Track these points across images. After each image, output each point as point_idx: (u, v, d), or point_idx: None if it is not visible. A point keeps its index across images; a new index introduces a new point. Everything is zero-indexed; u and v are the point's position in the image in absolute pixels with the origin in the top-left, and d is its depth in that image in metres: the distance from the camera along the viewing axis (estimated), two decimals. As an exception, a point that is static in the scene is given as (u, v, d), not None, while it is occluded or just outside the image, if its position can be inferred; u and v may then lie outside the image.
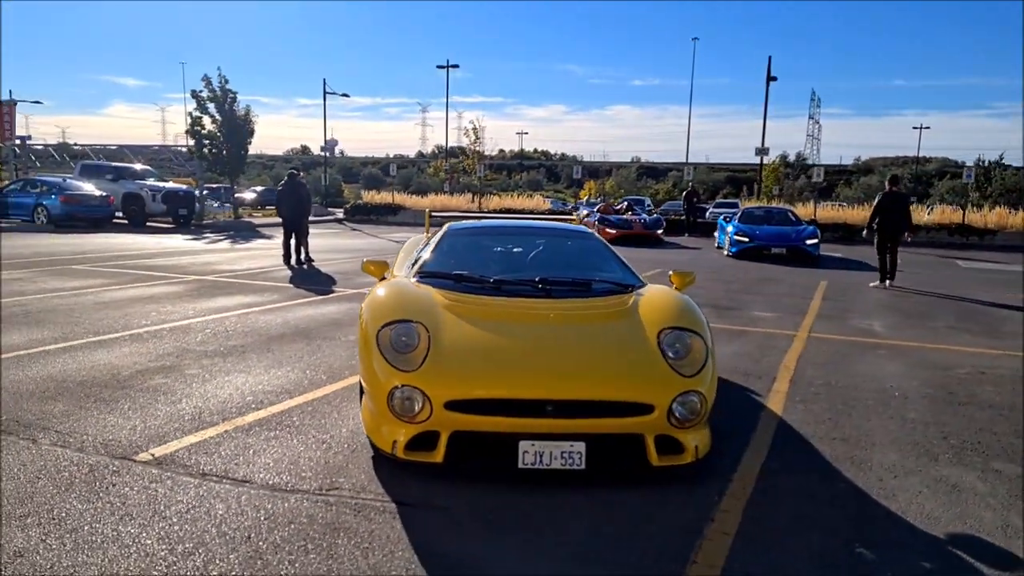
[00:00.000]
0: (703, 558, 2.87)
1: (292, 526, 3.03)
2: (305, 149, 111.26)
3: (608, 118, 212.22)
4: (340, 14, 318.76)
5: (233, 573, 2.66)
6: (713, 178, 69.35)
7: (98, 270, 11.35)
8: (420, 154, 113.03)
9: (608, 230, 21.38)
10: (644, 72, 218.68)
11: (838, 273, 13.92)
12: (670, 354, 3.73)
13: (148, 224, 22.55)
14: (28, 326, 6.83)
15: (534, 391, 3.45)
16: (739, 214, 19.15)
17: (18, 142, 36.22)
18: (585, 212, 25.18)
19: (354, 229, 25.46)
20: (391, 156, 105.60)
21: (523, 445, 3.43)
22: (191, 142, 30.44)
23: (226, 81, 30.94)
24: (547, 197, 43.20)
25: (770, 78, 32.49)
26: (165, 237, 18.91)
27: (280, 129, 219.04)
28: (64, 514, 3.07)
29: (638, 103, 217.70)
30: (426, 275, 4.61)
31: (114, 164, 25.26)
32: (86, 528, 2.96)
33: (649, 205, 38.77)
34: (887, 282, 11.76)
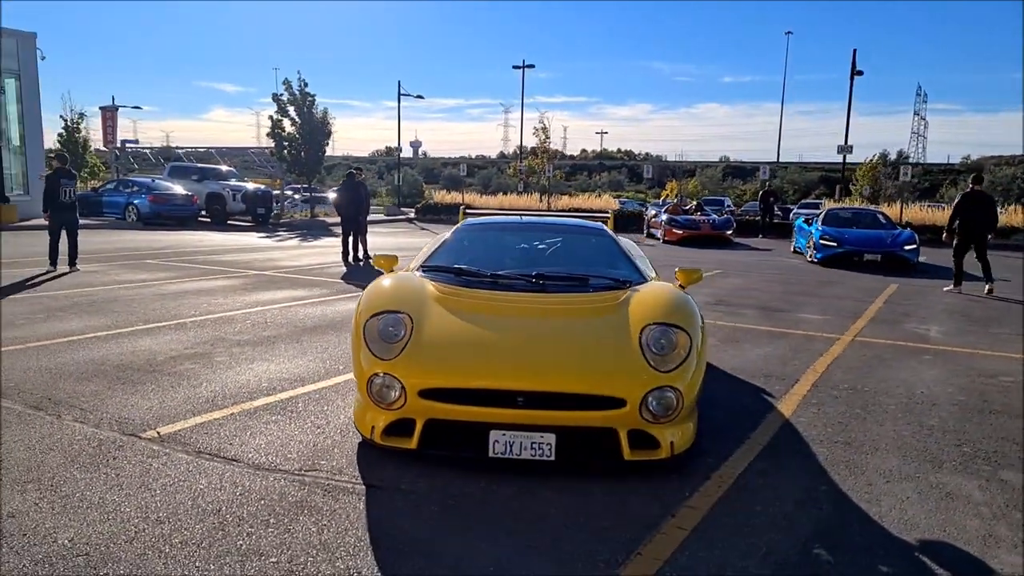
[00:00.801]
0: (649, 551, 2.86)
1: (262, 502, 3.19)
2: (390, 150, 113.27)
3: (696, 116, 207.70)
4: (424, 15, 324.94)
5: (193, 541, 2.83)
6: (806, 178, 66.67)
7: (169, 264, 12.03)
8: (501, 155, 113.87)
9: (675, 230, 21.08)
10: (735, 68, 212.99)
11: (913, 278, 13.28)
12: (653, 349, 3.71)
13: (229, 222, 23.64)
14: (88, 314, 7.34)
15: (505, 382, 3.51)
16: (823, 216, 17.34)
17: (119, 146, 38.58)
18: (652, 212, 24.84)
19: (422, 228, 25.95)
20: (472, 157, 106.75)
21: (493, 435, 3.49)
22: (272, 144, 31.69)
23: (305, 85, 32.02)
24: (618, 197, 42.72)
25: (855, 72, 31.23)
26: (242, 234, 19.80)
27: (367, 131, 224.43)
28: (62, 482, 3.33)
29: (728, 100, 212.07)
30: (429, 268, 4.73)
31: (199, 165, 26.64)
32: (76, 496, 3.20)
33: (729, 205, 37.86)
34: (961, 287, 11.15)
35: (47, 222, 10.95)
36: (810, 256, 15.80)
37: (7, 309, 7.49)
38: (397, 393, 3.55)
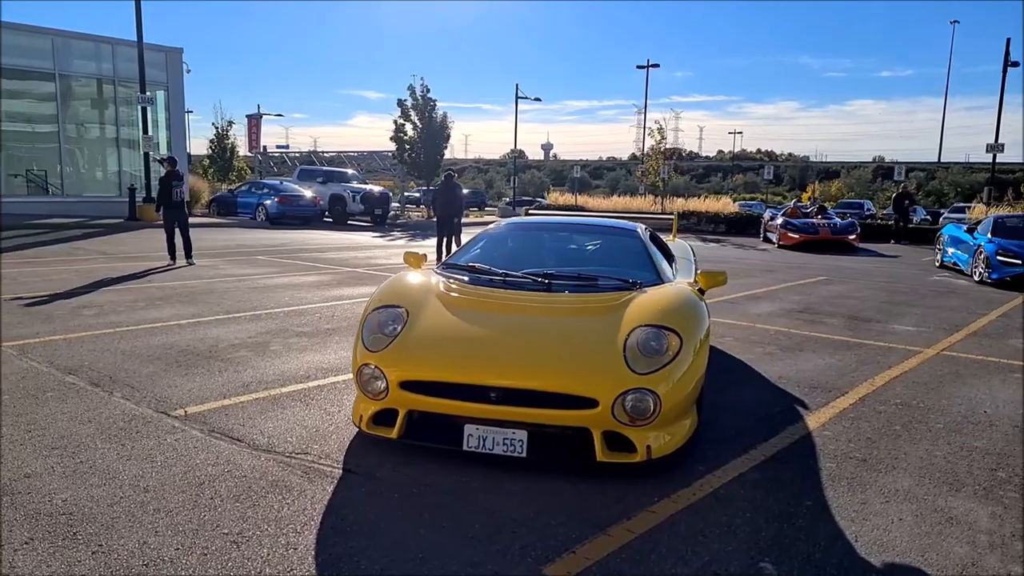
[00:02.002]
0: (585, 550, 2.84)
1: (243, 479, 3.43)
2: (520, 153, 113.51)
3: (848, 114, 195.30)
4: (556, 15, 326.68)
5: (164, 509, 3.09)
6: (971, 179, 60.95)
7: (274, 261, 12.87)
8: (633, 156, 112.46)
9: (791, 235, 20.16)
10: (894, 62, 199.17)
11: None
12: (641, 351, 3.65)
13: (349, 222, 24.87)
14: (180, 304, 8.02)
15: (479, 377, 3.57)
16: (990, 225, 13.99)
17: (262, 150, 41.50)
18: (769, 216, 23.80)
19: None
20: (603, 159, 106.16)
21: (468, 428, 3.56)
22: (395, 148, 33.08)
23: (427, 90, 33.21)
24: (740, 200, 41.08)
25: (1008, 63, 28.57)
26: (357, 234, 20.81)
27: (500, 135, 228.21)
28: (82, 450, 3.72)
29: (885, 96, 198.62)
30: (448, 266, 4.86)
31: (325, 169, 28.20)
32: (88, 463, 3.56)
33: (870, 209, 35.64)
34: None
35: (161, 221, 12.07)
36: (980, 275, 12.92)
37: (117, 297, 8.31)
38: (382, 384, 3.70)
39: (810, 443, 4.19)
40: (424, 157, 32.86)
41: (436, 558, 2.77)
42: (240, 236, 18.25)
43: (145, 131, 19.90)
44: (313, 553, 2.77)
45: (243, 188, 25.21)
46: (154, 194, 20.10)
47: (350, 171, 29.32)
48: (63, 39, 20.46)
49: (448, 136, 34.18)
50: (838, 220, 21.47)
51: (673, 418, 3.65)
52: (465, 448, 3.56)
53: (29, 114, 20.59)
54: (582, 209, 32.06)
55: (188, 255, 11.92)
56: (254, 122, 42.95)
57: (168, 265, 11.52)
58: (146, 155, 19.96)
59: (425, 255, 5.37)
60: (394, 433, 3.70)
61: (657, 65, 41.50)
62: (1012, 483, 3.68)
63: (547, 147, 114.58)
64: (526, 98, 40.48)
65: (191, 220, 13.09)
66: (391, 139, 33.07)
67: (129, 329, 6.61)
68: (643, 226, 5.59)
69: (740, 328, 7.67)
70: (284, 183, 24.48)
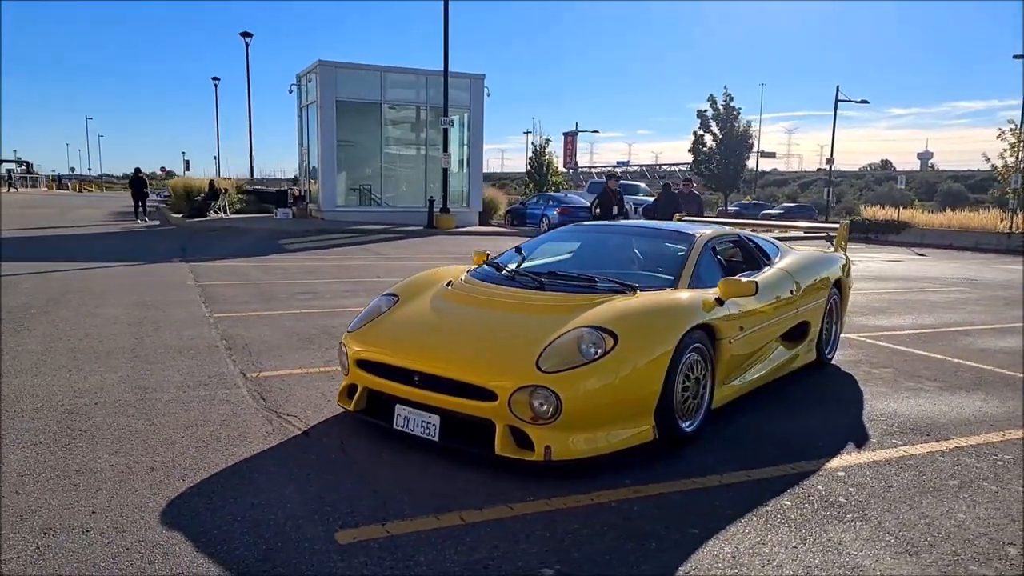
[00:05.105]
0: (394, 526, 2.97)
1: (226, 428, 4.11)
2: (885, 163, 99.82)
3: None
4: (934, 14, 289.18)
5: (134, 430, 3.89)
6: None
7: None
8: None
9: None
10: None
11: None
12: (577, 350, 3.58)
13: (628, 234, 25.32)
14: (368, 295, 9.23)
15: (405, 361, 3.82)
16: None
17: (574, 165, 43.93)
18: None
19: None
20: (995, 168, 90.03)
21: (398, 408, 3.85)
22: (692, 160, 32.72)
23: (731, 99, 32.30)
24: None
25: None
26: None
27: (862, 144, 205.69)
28: (157, 389, 4.75)
29: None
30: (488, 263, 5.08)
31: (613, 181, 28.97)
32: (147, 395, 4.56)
33: None
34: None
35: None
36: None
37: (338, 287, 9.85)
38: (347, 361, 4.14)
39: (809, 484, 3.64)
40: (722, 168, 32.01)
41: (267, 505, 3.14)
42: (502, 242, 19.77)
43: (445, 149, 22.64)
44: (208, 474, 3.32)
45: (532, 200, 27.18)
46: (449, 204, 22.74)
47: (641, 185, 29.79)
48: (388, 74, 24.26)
49: (751, 146, 32.87)
50: None
51: (591, 422, 3.52)
52: (395, 427, 3.84)
53: (358, 140, 24.69)
54: (906, 225, 28.26)
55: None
56: (569, 139, 45.58)
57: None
58: (444, 170, 22.72)
59: (488, 253, 5.63)
60: (352, 406, 4.11)
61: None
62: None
63: (925, 156, 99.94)
64: (849, 101, 37.06)
65: (487, 229, 14.20)
66: (688, 151, 32.81)
67: (310, 312, 7.89)
68: (711, 233, 5.18)
69: None
70: (568, 196, 25.87)
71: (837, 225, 7.30)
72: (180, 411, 4.38)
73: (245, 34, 37.59)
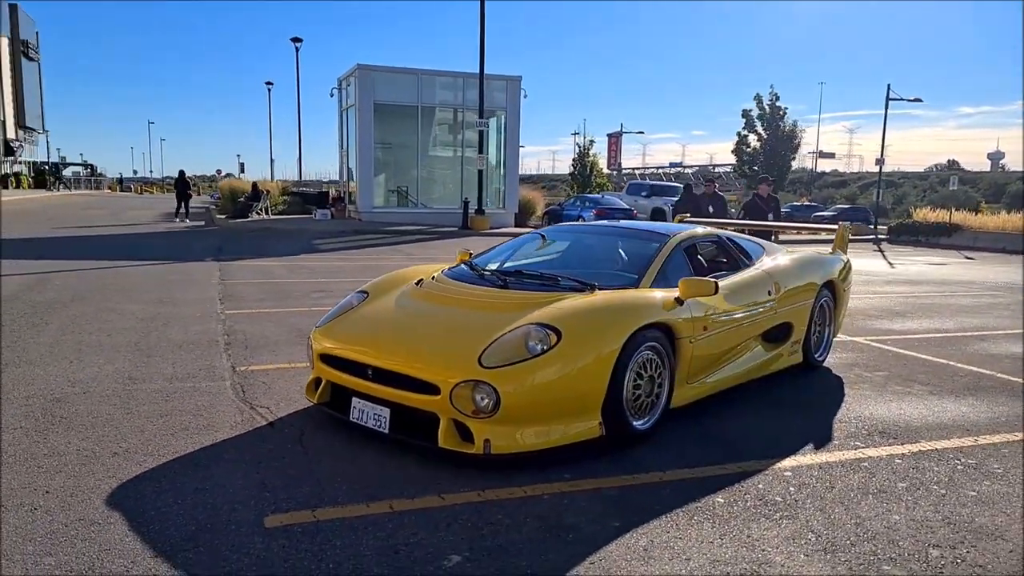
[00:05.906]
0: (325, 512, 3.10)
1: (197, 418, 4.31)
2: (952, 164, 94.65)
3: None
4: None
5: (110, 419, 4.11)
6: None
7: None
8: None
9: None
10: None
11: None
12: (522, 346, 3.66)
13: (665, 235, 25.12)
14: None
15: (361, 355, 3.96)
16: None
17: (617, 166, 43.71)
18: None
19: (878, 252, 23.37)
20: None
21: (353, 401, 3.98)
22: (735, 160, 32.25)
23: (776, 98, 31.76)
24: None
25: None
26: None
27: (928, 143, 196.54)
28: (146, 380, 4.99)
29: None
30: (466, 263, 5.18)
31: (651, 183, 28.87)
32: (135, 391, 4.80)
33: None
34: None
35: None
36: None
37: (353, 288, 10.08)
38: (313, 355, 4.30)
39: (753, 484, 3.65)
40: (767, 169, 31.46)
41: (210, 490, 3.30)
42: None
43: (480, 151, 22.82)
44: (166, 460, 3.51)
45: (570, 201, 27.18)
46: (485, 205, 22.92)
47: (680, 186, 29.49)
48: (425, 76, 24.58)
49: (797, 146, 32.22)
50: None
51: (535, 417, 3.60)
52: (351, 419, 3.97)
53: (396, 142, 25.05)
54: (957, 227, 27.29)
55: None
56: (614, 140, 45.38)
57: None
58: (479, 172, 22.90)
59: (470, 252, 5.72)
60: (316, 399, 4.26)
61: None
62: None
63: (995, 156, 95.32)
64: (899, 99, 35.98)
65: (521, 230, 14.36)
66: (732, 151, 32.36)
67: (319, 310, 8.10)
68: (686, 234, 5.18)
69: None
70: (605, 197, 25.82)
71: (836, 227, 7.18)
72: (160, 401, 4.60)
73: (295, 39, 38.53)
